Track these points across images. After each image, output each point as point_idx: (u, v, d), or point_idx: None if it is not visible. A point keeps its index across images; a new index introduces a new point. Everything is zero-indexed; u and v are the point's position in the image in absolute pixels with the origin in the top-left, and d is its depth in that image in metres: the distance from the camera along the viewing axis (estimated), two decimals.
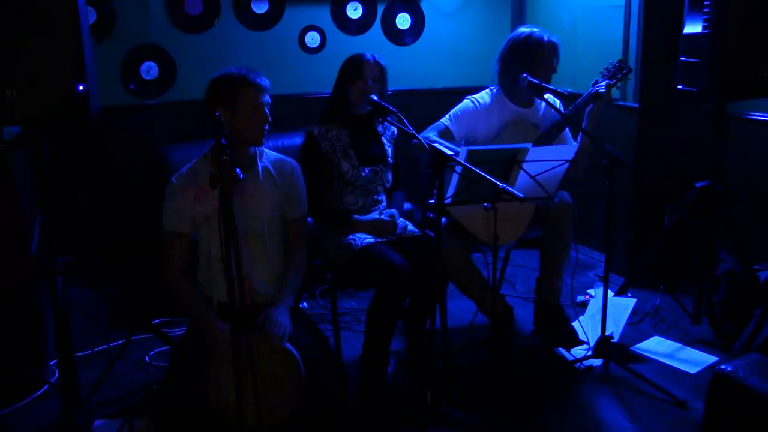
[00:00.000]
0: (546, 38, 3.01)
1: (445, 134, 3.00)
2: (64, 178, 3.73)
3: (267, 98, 2.40)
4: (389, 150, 2.99)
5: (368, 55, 2.85)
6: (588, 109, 3.01)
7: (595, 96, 2.97)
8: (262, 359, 2.15)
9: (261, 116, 2.38)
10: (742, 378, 2.08)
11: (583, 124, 3.02)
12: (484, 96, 3.13)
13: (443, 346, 2.86)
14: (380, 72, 2.86)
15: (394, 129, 3.02)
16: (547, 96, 2.96)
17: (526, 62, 2.99)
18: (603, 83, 2.98)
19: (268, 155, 2.53)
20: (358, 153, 2.88)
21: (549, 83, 2.95)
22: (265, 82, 2.39)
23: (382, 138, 2.99)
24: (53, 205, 2.61)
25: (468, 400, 2.76)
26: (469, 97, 3.13)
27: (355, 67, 2.83)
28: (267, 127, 2.41)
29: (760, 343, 2.77)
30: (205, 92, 2.40)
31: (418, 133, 2.60)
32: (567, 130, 3.18)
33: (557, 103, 3.10)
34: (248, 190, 2.41)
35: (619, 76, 3.01)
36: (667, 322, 3.44)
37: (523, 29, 3.07)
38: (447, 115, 3.09)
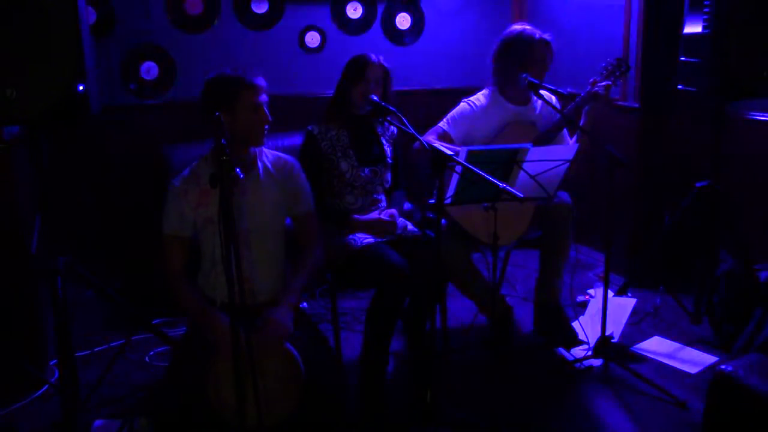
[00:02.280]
0: (537, 36, 3.01)
1: (444, 138, 3.00)
2: (64, 178, 3.73)
3: (265, 97, 2.39)
4: (388, 150, 2.99)
5: (373, 57, 2.84)
6: (586, 108, 3.01)
7: (594, 96, 2.97)
8: (262, 359, 2.15)
9: (261, 116, 2.37)
10: (742, 378, 2.08)
11: (581, 123, 3.02)
12: (480, 97, 3.14)
13: (443, 346, 2.86)
14: (384, 74, 2.85)
15: (393, 129, 3.02)
16: (546, 95, 2.97)
17: (519, 60, 3.00)
18: (602, 84, 2.98)
19: (267, 154, 2.53)
20: (358, 153, 2.89)
21: (542, 81, 2.95)
22: (262, 81, 2.38)
23: (382, 138, 2.99)
24: (53, 204, 2.61)
25: (468, 400, 2.76)
26: (465, 99, 3.14)
27: (358, 69, 2.83)
28: (267, 127, 2.40)
29: (760, 343, 2.77)
30: (201, 94, 2.39)
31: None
32: (565, 128, 3.18)
33: (553, 99, 3.09)
34: (250, 190, 2.41)
35: (617, 74, 3.00)
36: (667, 322, 3.44)
37: (516, 27, 3.08)
38: (444, 119, 3.09)
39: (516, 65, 2.99)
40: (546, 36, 3.03)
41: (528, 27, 3.05)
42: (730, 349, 3.03)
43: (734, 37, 2.92)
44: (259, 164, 2.46)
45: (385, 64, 2.86)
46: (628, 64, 3.02)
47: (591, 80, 3.01)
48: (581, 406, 2.74)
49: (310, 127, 2.89)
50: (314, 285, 3.78)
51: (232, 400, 2.06)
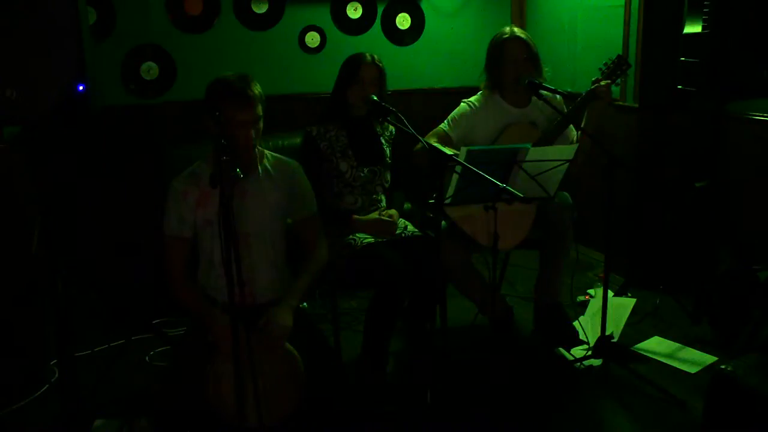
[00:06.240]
0: (505, 37, 3.02)
1: (444, 140, 3.00)
2: (64, 178, 3.72)
3: (256, 113, 2.30)
4: (387, 150, 2.99)
5: (368, 57, 2.84)
6: (588, 108, 3.01)
7: (595, 95, 2.96)
8: (262, 359, 2.15)
9: (244, 138, 2.29)
10: (742, 378, 2.08)
11: (583, 123, 3.02)
12: (478, 98, 3.13)
13: (443, 346, 2.86)
14: (379, 74, 2.85)
15: (392, 129, 3.02)
16: (548, 96, 2.97)
17: (495, 65, 3.04)
18: (603, 83, 2.97)
19: (268, 157, 2.52)
20: (357, 153, 2.89)
21: (532, 76, 2.95)
22: (253, 93, 2.28)
23: (381, 138, 2.99)
24: (53, 204, 2.61)
25: (468, 400, 2.76)
26: (465, 100, 3.14)
27: (353, 70, 2.83)
28: (253, 144, 2.33)
29: (760, 343, 2.77)
30: (204, 97, 2.37)
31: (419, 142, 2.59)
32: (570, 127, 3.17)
33: (557, 99, 3.09)
34: (250, 193, 2.39)
35: (618, 72, 2.99)
36: (667, 322, 3.44)
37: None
38: (445, 121, 3.09)
39: (493, 70, 3.04)
40: (519, 34, 3.02)
41: (507, 29, 3.06)
42: (730, 349, 3.03)
43: (734, 37, 2.92)
44: (260, 167, 2.45)
45: (380, 64, 2.86)
46: (628, 62, 3.01)
47: (593, 79, 3.01)
48: (581, 406, 2.74)
49: (308, 128, 2.89)
50: (316, 286, 3.78)
51: (232, 400, 2.06)
